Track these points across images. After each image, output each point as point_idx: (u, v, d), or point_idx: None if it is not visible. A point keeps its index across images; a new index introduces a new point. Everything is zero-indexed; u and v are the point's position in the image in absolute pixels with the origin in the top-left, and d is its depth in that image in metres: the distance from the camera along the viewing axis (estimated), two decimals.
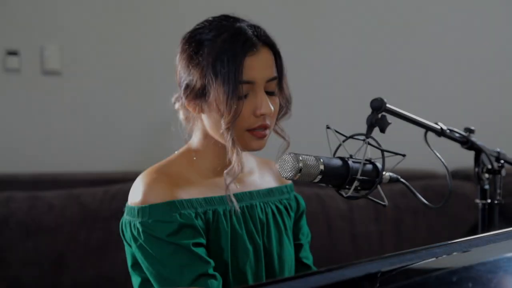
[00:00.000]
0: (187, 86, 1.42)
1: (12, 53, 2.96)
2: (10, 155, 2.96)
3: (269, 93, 1.43)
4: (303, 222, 1.66)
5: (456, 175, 3.27)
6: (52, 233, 2.71)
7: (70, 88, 3.04)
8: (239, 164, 1.42)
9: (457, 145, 1.63)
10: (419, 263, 0.96)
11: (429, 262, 0.98)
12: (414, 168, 3.16)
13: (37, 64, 3.00)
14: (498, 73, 3.54)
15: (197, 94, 1.41)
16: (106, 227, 2.75)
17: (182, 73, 1.44)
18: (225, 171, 1.44)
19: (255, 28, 1.42)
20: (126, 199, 1.47)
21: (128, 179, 1.69)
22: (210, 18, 1.46)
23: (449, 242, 1.10)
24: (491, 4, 3.54)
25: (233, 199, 1.44)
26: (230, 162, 1.43)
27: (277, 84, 1.44)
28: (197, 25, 1.46)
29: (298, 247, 1.62)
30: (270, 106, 1.41)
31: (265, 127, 1.43)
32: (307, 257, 1.64)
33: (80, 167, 3.02)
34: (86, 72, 3.06)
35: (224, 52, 1.37)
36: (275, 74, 1.43)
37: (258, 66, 1.40)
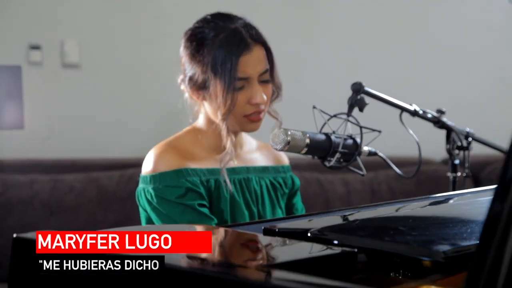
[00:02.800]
0: (191, 78, 1.66)
1: (35, 47, 3.19)
2: (34, 141, 3.20)
3: (264, 82, 1.66)
4: (297, 199, 1.87)
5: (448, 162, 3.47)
6: (72, 213, 2.96)
7: (88, 80, 3.27)
8: (233, 149, 1.65)
9: None
10: (377, 209, 1.19)
11: (387, 209, 1.20)
12: (410, 155, 3.36)
13: (57, 58, 3.23)
14: (472, 63, 3.70)
15: (199, 86, 1.66)
16: (122, 207, 2.99)
17: (186, 66, 1.68)
18: (220, 156, 1.66)
19: (249, 28, 1.65)
20: None
21: (142, 164, 1.89)
22: (208, 17, 1.67)
23: (409, 199, 1.32)
24: None
25: (227, 181, 1.66)
26: (224, 148, 1.66)
27: (270, 74, 1.67)
28: (197, 23, 1.68)
29: None
30: (263, 96, 1.64)
31: (259, 112, 1.66)
32: None
33: (98, 152, 3.25)
34: (103, 65, 3.29)
35: (221, 52, 1.61)
36: (266, 67, 1.66)
37: (251, 63, 1.63)
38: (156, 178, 1.62)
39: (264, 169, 1.79)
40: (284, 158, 1.86)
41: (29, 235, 0.92)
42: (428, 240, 0.93)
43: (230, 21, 1.66)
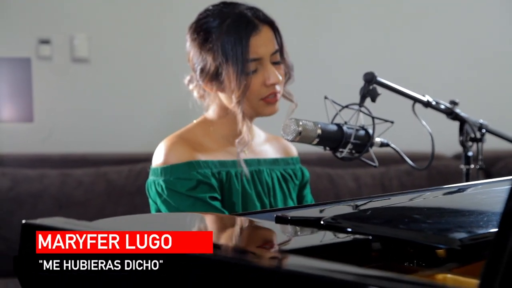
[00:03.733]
0: (202, 70, 1.64)
1: (44, 41, 3.19)
2: (43, 136, 3.20)
3: (276, 63, 1.64)
4: (307, 191, 1.85)
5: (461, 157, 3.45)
6: (81, 207, 2.95)
7: (97, 75, 3.27)
8: (249, 134, 1.63)
9: None
10: (391, 199, 1.17)
11: (400, 199, 1.19)
12: (421, 149, 3.34)
13: (67, 52, 3.23)
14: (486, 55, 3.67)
15: (212, 76, 1.63)
16: (131, 201, 2.98)
17: (195, 59, 1.66)
18: (236, 140, 1.65)
19: (254, 10, 1.64)
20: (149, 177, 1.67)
21: (151, 158, 1.88)
22: (210, 7, 1.66)
23: (423, 189, 1.30)
24: None
25: (243, 164, 1.65)
26: (240, 133, 1.64)
27: (280, 55, 1.65)
28: (200, 14, 1.67)
29: None
30: (278, 75, 1.63)
31: (275, 94, 1.64)
32: None
33: (107, 147, 3.25)
34: (112, 59, 3.28)
35: (230, 36, 1.59)
36: (276, 47, 1.65)
37: (262, 43, 1.61)
38: (167, 170, 1.61)
39: (275, 161, 1.77)
40: (293, 150, 1.84)
41: (39, 221, 0.91)
42: (444, 228, 0.91)
43: (233, 7, 1.65)
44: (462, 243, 0.86)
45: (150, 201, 1.69)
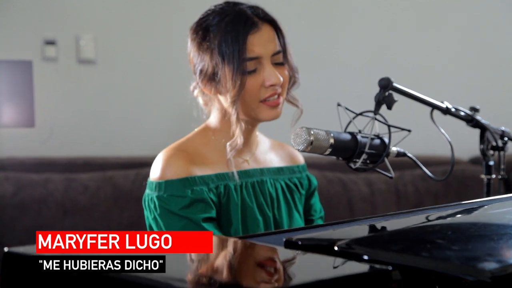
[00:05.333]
0: (201, 71, 1.56)
1: (50, 42, 3.12)
2: (48, 139, 3.13)
3: (278, 64, 1.55)
4: (315, 199, 1.76)
5: (478, 161, 3.35)
6: (87, 212, 2.87)
7: (103, 76, 3.19)
8: (241, 137, 1.54)
9: None
10: (409, 218, 1.08)
11: (420, 218, 1.10)
12: (436, 154, 3.25)
13: (73, 53, 3.16)
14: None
15: (210, 77, 1.55)
16: (137, 207, 2.87)
17: (195, 60, 1.58)
18: (227, 143, 1.56)
19: (255, 8, 1.56)
20: None
21: None
22: (213, 7, 1.59)
23: (444, 205, 1.21)
24: None
25: (235, 173, 1.56)
26: (233, 135, 1.55)
27: (283, 57, 1.56)
28: (202, 14, 1.59)
29: (309, 223, 1.73)
30: (278, 76, 1.53)
31: (276, 95, 1.54)
32: None
33: (113, 151, 3.17)
34: (119, 61, 3.21)
35: (228, 33, 1.51)
36: (278, 48, 1.55)
37: (261, 42, 1.52)
38: (162, 186, 1.53)
39: (279, 170, 1.68)
40: (299, 157, 1.75)
41: (21, 249, 0.84)
42: (472, 257, 0.82)
43: (234, 5, 1.57)
44: (492, 275, 0.77)
45: (145, 212, 1.61)
